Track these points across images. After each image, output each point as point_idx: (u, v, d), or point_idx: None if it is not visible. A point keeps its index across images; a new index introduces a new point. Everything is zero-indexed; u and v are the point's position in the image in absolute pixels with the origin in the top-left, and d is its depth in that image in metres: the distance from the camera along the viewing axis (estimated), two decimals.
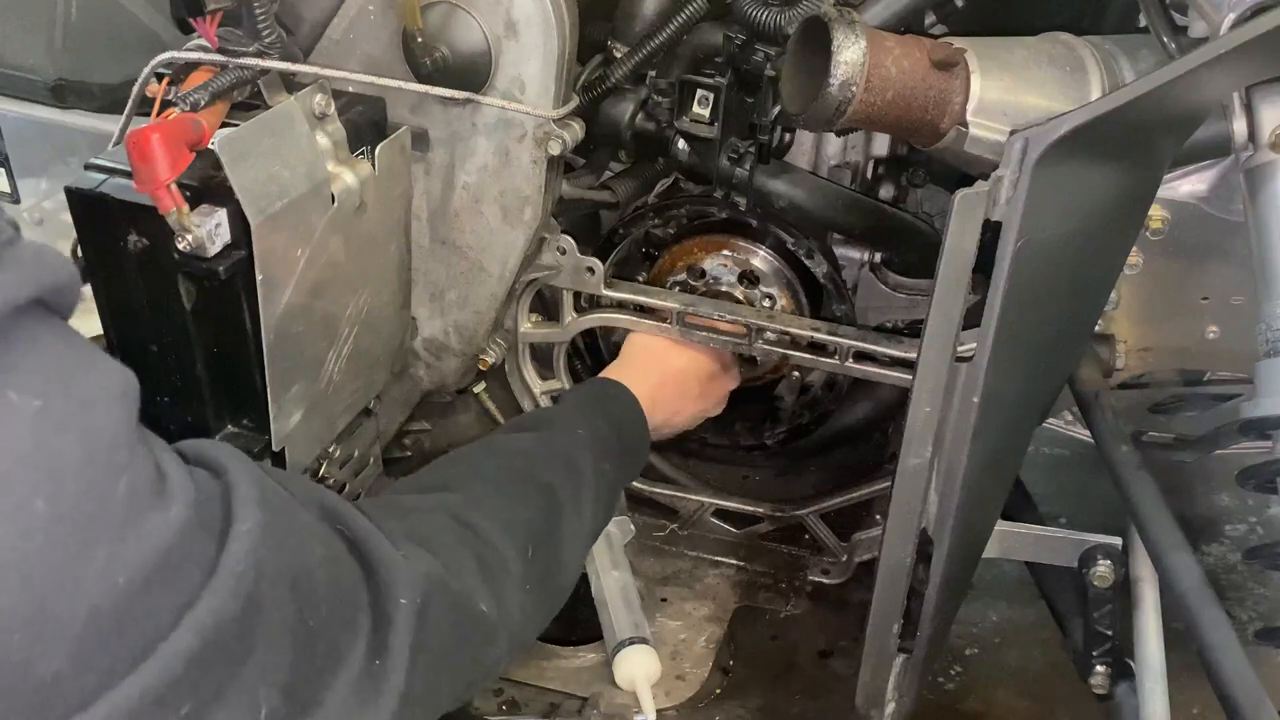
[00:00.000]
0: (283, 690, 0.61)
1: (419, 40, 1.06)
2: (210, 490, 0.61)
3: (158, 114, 0.93)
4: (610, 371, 1.27)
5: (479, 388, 1.48)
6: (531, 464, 1.03)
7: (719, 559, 1.52)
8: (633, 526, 1.51)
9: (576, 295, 1.33)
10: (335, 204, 1.01)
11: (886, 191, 1.40)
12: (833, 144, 1.36)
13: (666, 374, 1.28)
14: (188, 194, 0.89)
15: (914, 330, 1.35)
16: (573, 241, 1.26)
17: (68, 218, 0.95)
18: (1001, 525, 1.12)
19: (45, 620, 0.49)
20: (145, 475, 0.55)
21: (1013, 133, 0.80)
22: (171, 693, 0.53)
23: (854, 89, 0.94)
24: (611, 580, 1.37)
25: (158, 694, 0.53)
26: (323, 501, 0.75)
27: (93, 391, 0.54)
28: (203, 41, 0.96)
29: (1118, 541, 1.10)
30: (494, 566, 0.88)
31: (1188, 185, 1.12)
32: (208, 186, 0.92)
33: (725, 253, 1.38)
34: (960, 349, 0.90)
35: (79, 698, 0.51)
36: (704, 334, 1.28)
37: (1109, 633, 1.11)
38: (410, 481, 1.02)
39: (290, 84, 1.04)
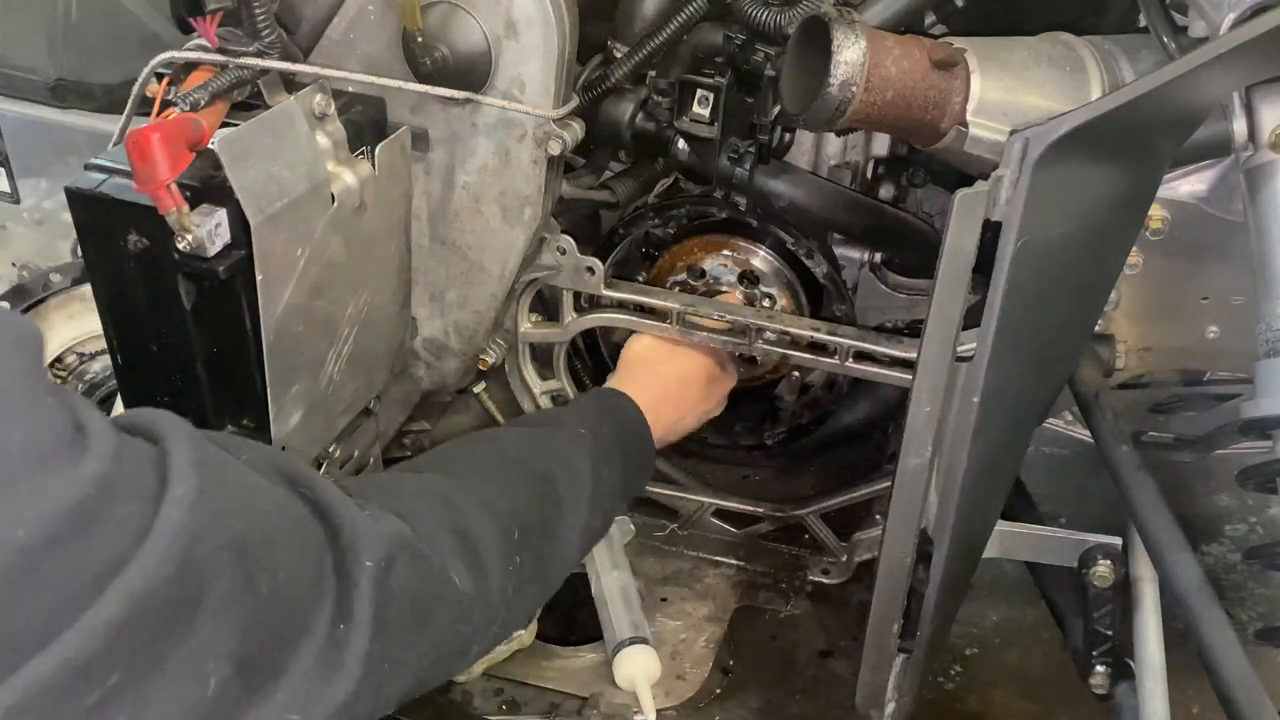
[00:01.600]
0: (236, 661, 0.59)
1: (419, 40, 1.06)
2: (143, 454, 0.59)
3: (158, 114, 0.93)
4: (611, 383, 1.26)
5: (479, 388, 1.48)
6: (527, 455, 1.02)
7: (719, 559, 1.52)
8: (632, 526, 1.51)
9: (576, 295, 1.33)
10: (335, 204, 1.01)
11: (886, 191, 1.40)
12: (833, 144, 1.37)
13: (668, 382, 1.27)
14: (188, 194, 0.89)
15: (914, 330, 1.35)
16: (573, 241, 1.26)
17: (68, 218, 0.95)
18: (1001, 525, 1.12)
19: None
20: (52, 427, 0.53)
21: (1013, 133, 0.80)
22: (96, 664, 0.52)
23: (854, 89, 0.94)
24: (611, 580, 1.37)
25: (79, 665, 0.51)
26: (280, 465, 0.73)
27: None
28: (203, 41, 0.96)
29: (1118, 541, 1.11)
30: (473, 542, 0.86)
31: (1188, 185, 1.12)
32: (208, 186, 0.92)
33: (725, 253, 1.38)
34: (960, 349, 0.90)
35: None
36: (704, 334, 1.28)
37: (1109, 633, 1.11)
38: (402, 465, 1.01)
39: (290, 84, 1.04)
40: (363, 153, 1.06)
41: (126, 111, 1.02)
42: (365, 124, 1.08)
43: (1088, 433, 1.11)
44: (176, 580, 0.56)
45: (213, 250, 0.91)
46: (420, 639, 0.78)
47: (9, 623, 0.50)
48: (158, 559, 0.55)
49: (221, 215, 0.91)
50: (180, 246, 0.90)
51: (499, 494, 0.93)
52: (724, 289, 1.38)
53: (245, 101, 1.01)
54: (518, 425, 1.15)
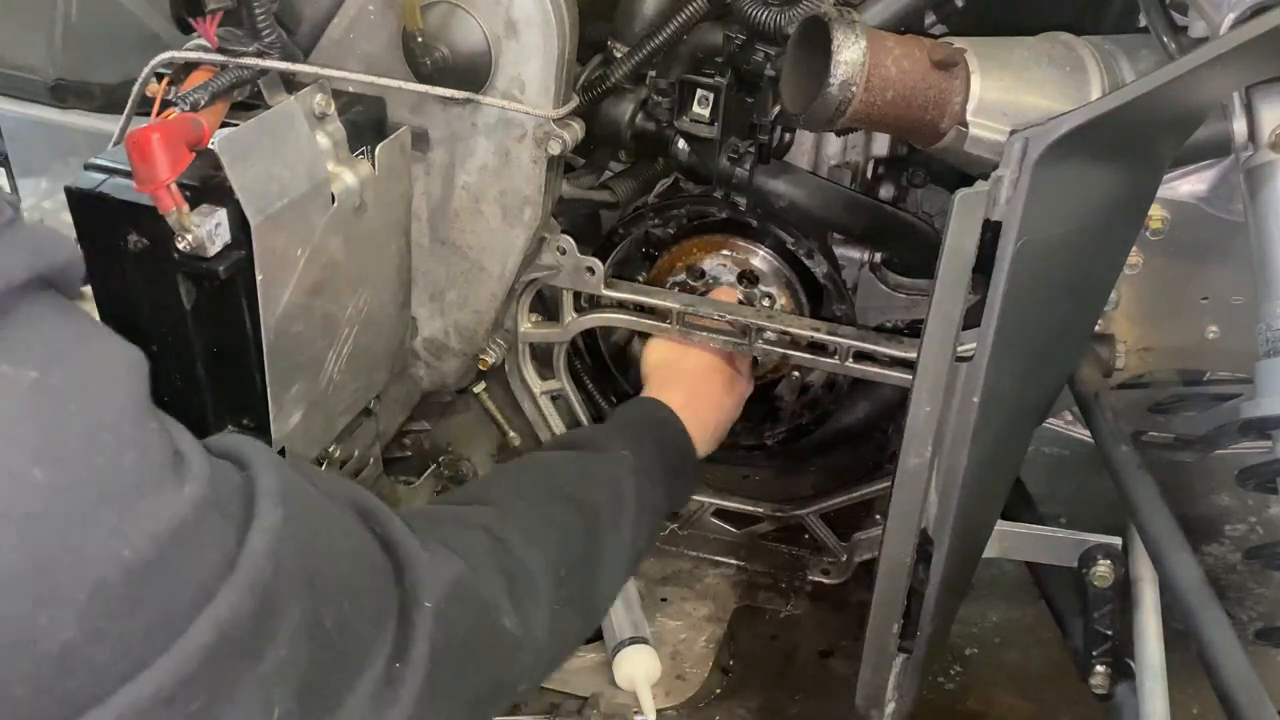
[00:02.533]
0: (297, 691, 0.60)
1: (419, 40, 1.06)
2: (233, 481, 0.60)
3: (158, 114, 0.93)
4: (644, 393, 1.25)
5: (479, 388, 1.48)
6: (572, 483, 1.01)
7: (719, 559, 1.52)
8: None
9: (576, 295, 1.33)
10: (335, 204, 1.01)
11: (886, 191, 1.40)
12: (833, 144, 1.36)
13: (694, 376, 1.27)
14: (188, 194, 0.89)
15: (914, 330, 1.35)
16: (573, 241, 1.26)
17: (68, 218, 0.95)
18: (1001, 525, 1.12)
19: (47, 585, 0.48)
20: (157, 452, 0.54)
21: (1013, 133, 0.80)
22: (183, 690, 0.53)
23: (854, 89, 0.94)
24: None
25: (169, 691, 0.52)
26: (355, 499, 0.74)
27: (94, 365, 0.53)
28: (203, 41, 0.96)
29: (1118, 541, 1.10)
30: (521, 583, 0.86)
31: (1188, 185, 1.12)
32: (208, 186, 0.92)
33: (725, 253, 1.38)
34: (960, 349, 0.90)
35: (93, 682, 0.50)
36: (704, 334, 1.28)
37: (1109, 633, 1.11)
38: (449, 496, 1.02)
39: (290, 84, 1.04)
40: (363, 153, 1.06)
41: (126, 111, 1.02)
42: (365, 124, 1.08)
43: (1088, 433, 1.10)
44: (259, 609, 0.57)
45: (213, 250, 0.91)
46: (471, 679, 0.78)
47: (112, 643, 0.50)
48: (244, 588, 0.56)
49: (221, 215, 0.91)
50: (180, 246, 0.90)
51: (546, 529, 0.93)
52: (724, 288, 1.38)
53: (245, 101, 1.01)
54: (560, 447, 1.13)
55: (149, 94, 0.97)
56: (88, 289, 1.03)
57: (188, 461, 0.56)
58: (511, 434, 1.54)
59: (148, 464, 0.53)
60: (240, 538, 0.57)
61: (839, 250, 1.42)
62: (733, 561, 1.51)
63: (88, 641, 0.49)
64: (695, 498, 1.51)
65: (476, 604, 0.79)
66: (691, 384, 1.26)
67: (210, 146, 0.90)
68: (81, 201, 0.94)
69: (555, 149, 1.13)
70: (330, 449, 1.19)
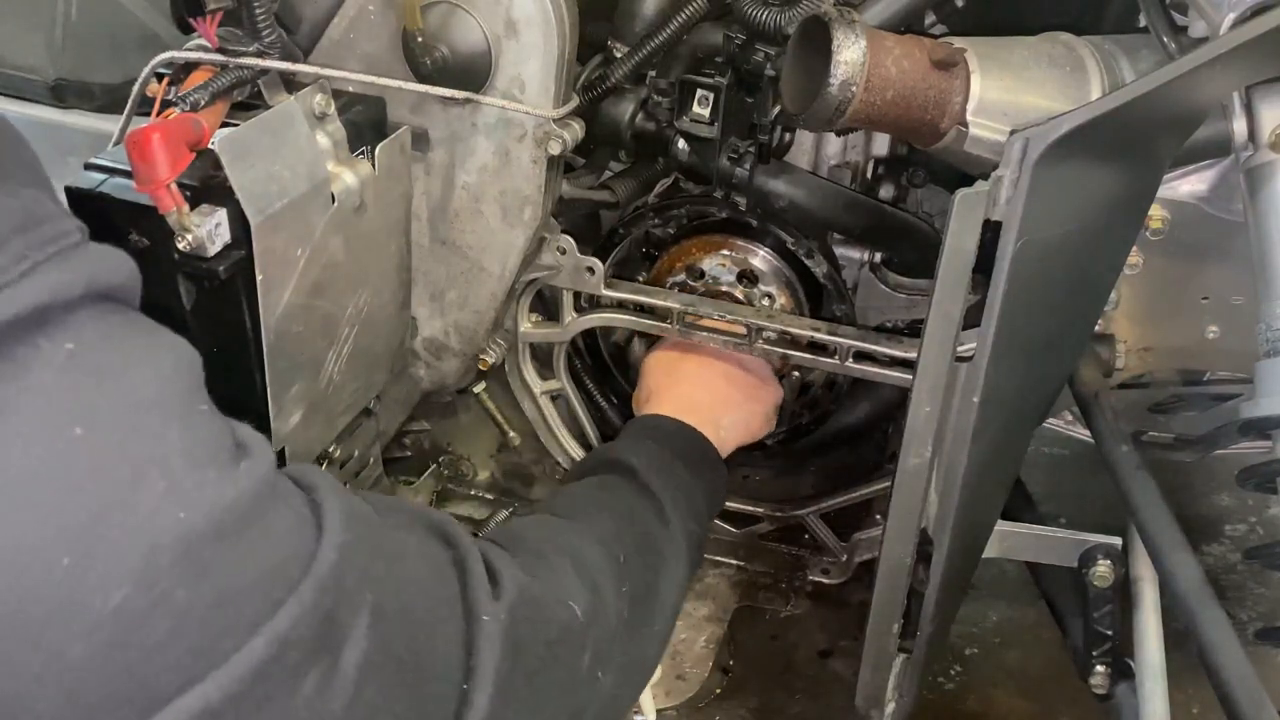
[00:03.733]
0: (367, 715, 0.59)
1: (419, 40, 1.06)
2: (298, 493, 0.60)
3: (158, 114, 0.93)
4: (647, 409, 1.23)
5: (479, 388, 1.48)
6: (608, 502, 1.01)
7: (719, 559, 1.52)
8: None
9: (576, 295, 1.33)
10: (335, 204, 1.01)
11: (886, 191, 1.40)
12: (833, 144, 1.36)
13: (691, 376, 1.27)
14: (188, 194, 0.89)
15: (914, 330, 1.35)
16: (573, 241, 1.26)
17: None
18: (1001, 525, 1.12)
19: (97, 538, 0.48)
20: (208, 433, 0.55)
21: (1013, 133, 0.80)
22: (262, 683, 0.52)
23: (854, 89, 0.94)
24: None
25: (252, 680, 0.52)
26: (424, 519, 0.74)
27: (139, 350, 0.54)
28: (203, 41, 0.96)
29: (1118, 541, 1.11)
30: (586, 562, 0.85)
31: (1188, 185, 1.12)
32: (208, 186, 0.92)
33: (725, 253, 1.38)
34: (960, 349, 0.90)
35: (157, 660, 0.49)
36: (704, 334, 1.28)
37: (1109, 633, 1.11)
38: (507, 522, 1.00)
39: (290, 84, 1.04)
40: (363, 153, 1.06)
41: (126, 111, 1.02)
42: (365, 124, 1.08)
43: (1088, 433, 1.11)
44: (320, 629, 0.56)
45: (213, 250, 0.91)
46: (547, 680, 0.76)
47: (173, 616, 0.50)
48: (310, 602, 0.55)
49: (221, 215, 0.91)
50: (180, 246, 0.90)
51: (600, 522, 0.93)
52: (724, 289, 1.38)
53: (245, 101, 1.01)
54: (580, 485, 1.08)
55: (149, 94, 0.97)
56: None
57: (250, 451, 0.56)
58: (511, 434, 1.54)
59: (197, 441, 0.53)
60: (314, 542, 0.57)
61: (839, 250, 1.42)
62: (733, 561, 1.51)
63: (146, 608, 0.49)
64: None
65: (542, 606, 0.77)
66: (689, 381, 1.26)
67: (210, 146, 0.90)
68: (81, 201, 0.94)
69: (555, 149, 1.13)
70: (330, 449, 1.19)
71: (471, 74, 1.10)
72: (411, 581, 0.67)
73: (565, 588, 0.81)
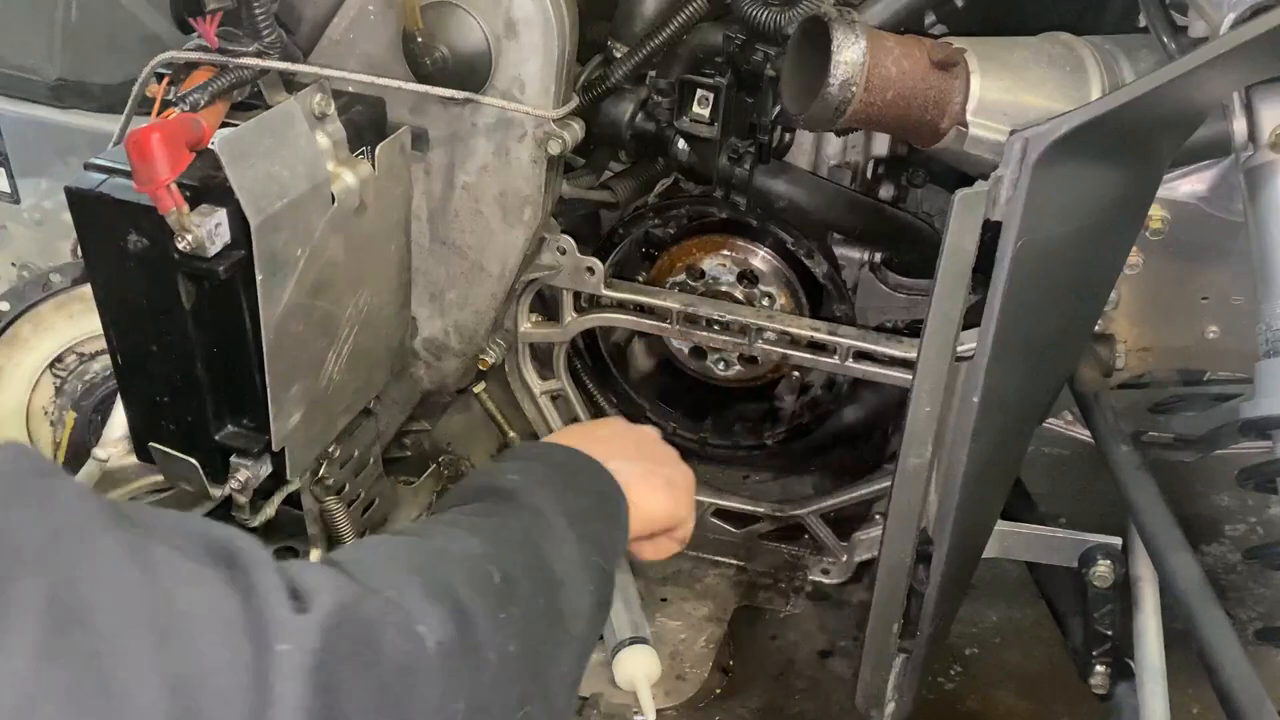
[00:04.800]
0: None
1: (419, 40, 1.06)
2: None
3: (158, 114, 0.93)
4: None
5: (479, 388, 1.48)
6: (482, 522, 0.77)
7: (719, 559, 1.52)
8: None
9: (576, 295, 1.33)
10: (335, 204, 1.01)
11: (886, 191, 1.40)
12: (833, 144, 1.36)
13: (589, 432, 1.05)
14: (188, 194, 0.89)
15: (914, 330, 1.35)
16: (573, 241, 1.26)
17: (68, 218, 0.95)
18: (1001, 525, 1.12)
19: None
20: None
21: (1013, 133, 0.80)
22: None
23: (854, 89, 0.94)
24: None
25: None
26: (212, 541, 0.58)
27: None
28: (203, 41, 0.96)
29: (1118, 541, 1.11)
30: (442, 581, 0.65)
31: (1188, 185, 1.12)
32: (208, 186, 0.92)
33: (725, 253, 1.38)
34: (960, 349, 0.90)
35: None
36: (705, 334, 1.28)
37: (1109, 633, 1.11)
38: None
39: (290, 84, 1.04)
40: (363, 153, 1.06)
41: (126, 111, 1.02)
42: (365, 124, 1.08)
43: (1088, 433, 1.11)
44: None
45: (213, 250, 0.91)
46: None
47: None
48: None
49: (221, 215, 0.91)
50: (180, 246, 0.90)
51: (465, 540, 0.73)
52: (724, 289, 1.38)
53: (245, 101, 1.01)
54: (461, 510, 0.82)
55: (149, 94, 0.97)
56: (88, 289, 1.03)
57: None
58: (511, 434, 1.54)
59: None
60: None
61: (839, 250, 1.42)
62: (732, 561, 1.51)
63: None
64: (696, 498, 1.50)
65: (372, 626, 0.60)
66: (587, 433, 1.03)
67: (210, 146, 0.90)
68: (81, 201, 0.94)
69: (555, 149, 1.13)
70: (330, 449, 1.19)
71: (471, 74, 1.10)
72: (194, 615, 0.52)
73: (409, 611, 0.62)
